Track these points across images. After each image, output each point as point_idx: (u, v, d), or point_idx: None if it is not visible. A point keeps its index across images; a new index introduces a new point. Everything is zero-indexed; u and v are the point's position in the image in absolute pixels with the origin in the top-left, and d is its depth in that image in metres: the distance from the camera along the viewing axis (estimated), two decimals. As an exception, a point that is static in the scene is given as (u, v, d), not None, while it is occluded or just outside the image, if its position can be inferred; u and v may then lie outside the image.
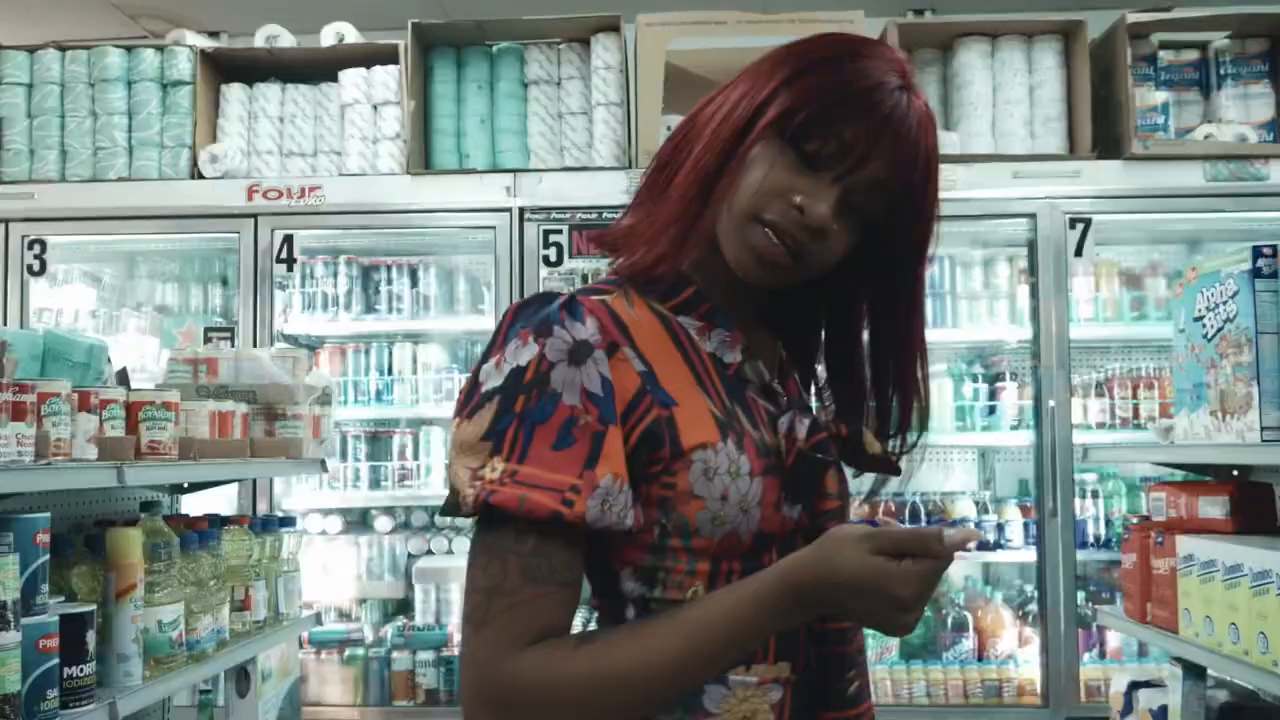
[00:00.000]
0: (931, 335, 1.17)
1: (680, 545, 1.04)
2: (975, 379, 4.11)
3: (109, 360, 2.46)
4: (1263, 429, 1.99)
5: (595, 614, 1.10)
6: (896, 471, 1.15)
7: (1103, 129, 3.79)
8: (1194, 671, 2.27)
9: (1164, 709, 2.37)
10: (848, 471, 1.16)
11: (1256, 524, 2.23)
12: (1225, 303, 2.08)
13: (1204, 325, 2.16)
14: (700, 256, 1.10)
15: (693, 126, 1.11)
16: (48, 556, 1.73)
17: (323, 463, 2.81)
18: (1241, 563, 2.00)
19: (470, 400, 1.02)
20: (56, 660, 1.71)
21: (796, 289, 1.13)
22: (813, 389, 1.25)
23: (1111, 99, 3.78)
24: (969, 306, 4.06)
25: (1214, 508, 2.25)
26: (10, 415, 1.58)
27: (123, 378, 2.55)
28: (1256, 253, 2.01)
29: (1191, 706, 2.27)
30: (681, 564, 1.04)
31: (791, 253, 1.05)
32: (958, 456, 4.41)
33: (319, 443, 2.78)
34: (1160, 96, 3.87)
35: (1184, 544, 2.21)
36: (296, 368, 2.71)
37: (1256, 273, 2.01)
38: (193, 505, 2.91)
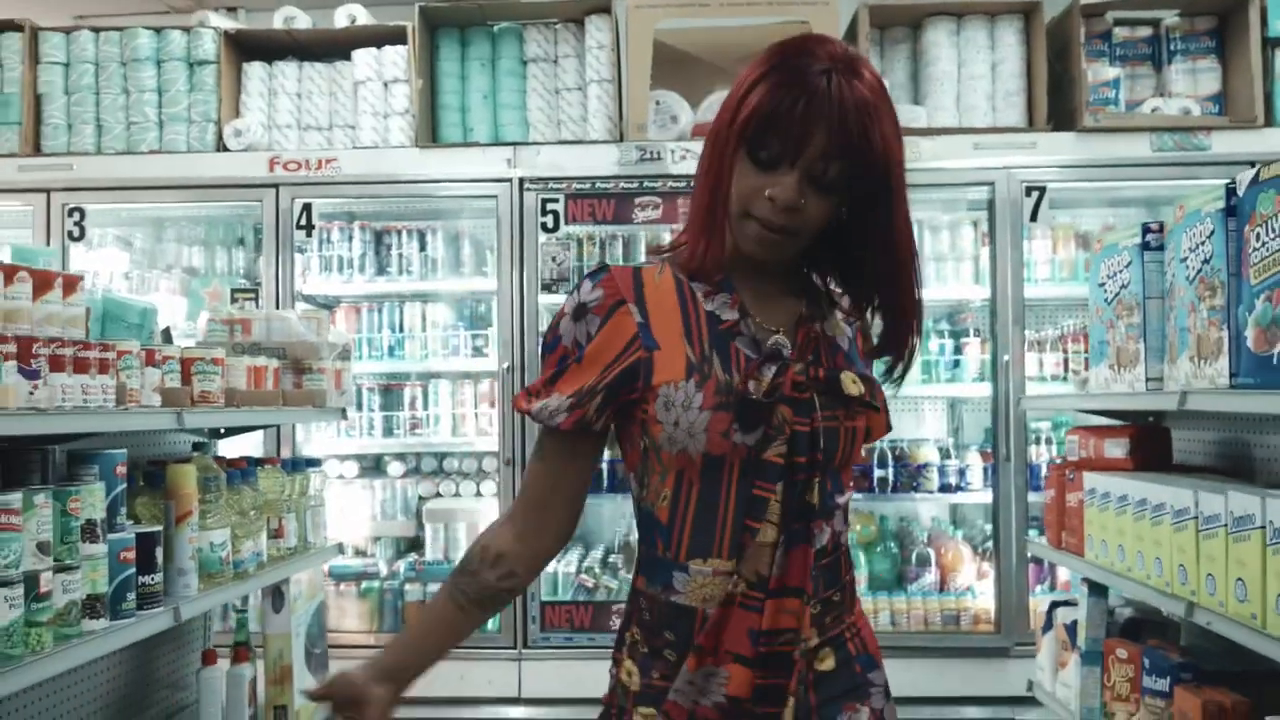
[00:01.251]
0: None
1: (655, 458, 1.37)
2: (943, 335, 4.42)
3: (156, 321, 2.78)
4: (1147, 380, 2.32)
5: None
6: (875, 409, 1.40)
7: (1058, 102, 4.07)
8: (1097, 590, 2.62)
9: (1075, 623, 2.72)
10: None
11: (1153, 462, 2.57)
12: (1121, 271, 2.41)
13: (1105, 290, 2.49)
14: (730, 240, 1.36)
15: (706, 139, 1.40)
16: (125, 485, 2.09)
17: (344, 411, 3.15)
18: (1128, 494, 2.35)
19: None
20: (133, 569, 2.07)
21: (822, 256, 1.42)
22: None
23: (1066, 74, 4.06)
24: (936, 268, 4.33)
25: (1117, 448, 2.59)
26: (98, 370, 1.92)
27: (167, 336, 2.87)
28: (1145, 229, 2.32)
29: (1094, 619, 2.62)
30: (656, 472, 1.37)
31: (779, 232, 1.32)
32: (928, 406, 4.76)
33: (340, 393, 3.11)
34: (1112, 72, 4.14)
35: (1089, 479, 2.56)
36: (320, 327, 3.03)
37: (1145, 246, 2.33)
38: (226, 450, 3.25)
